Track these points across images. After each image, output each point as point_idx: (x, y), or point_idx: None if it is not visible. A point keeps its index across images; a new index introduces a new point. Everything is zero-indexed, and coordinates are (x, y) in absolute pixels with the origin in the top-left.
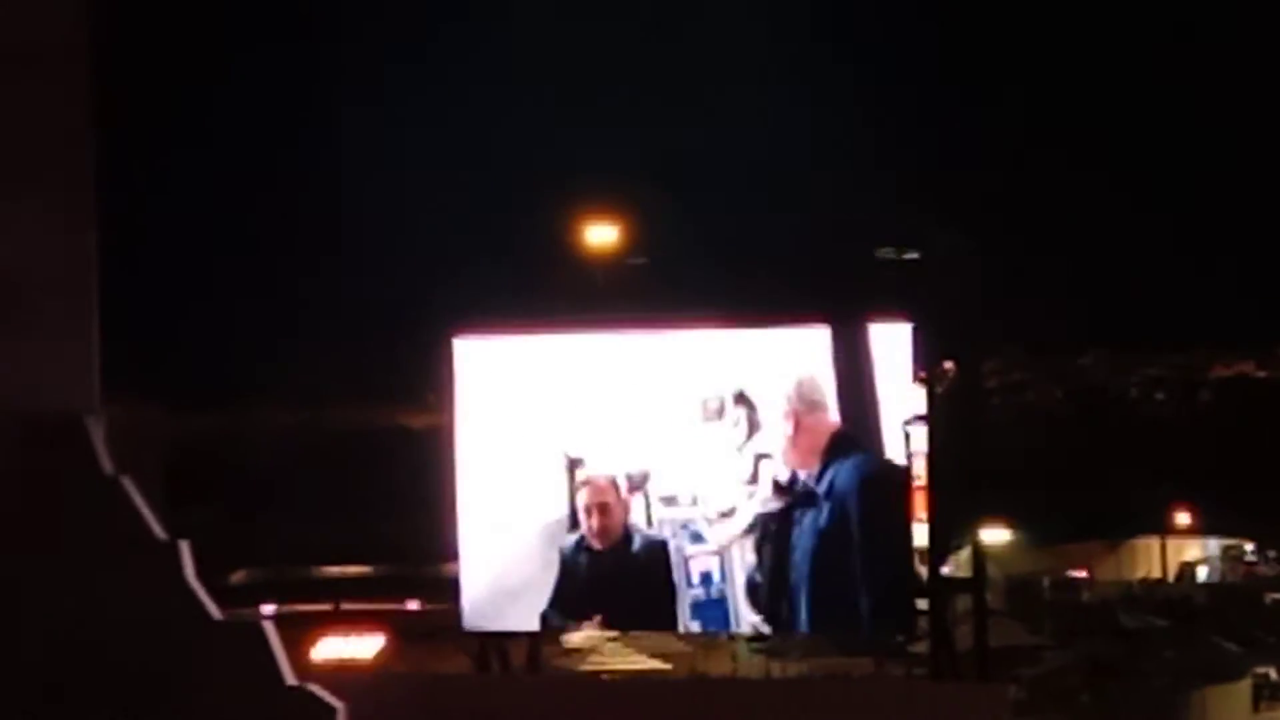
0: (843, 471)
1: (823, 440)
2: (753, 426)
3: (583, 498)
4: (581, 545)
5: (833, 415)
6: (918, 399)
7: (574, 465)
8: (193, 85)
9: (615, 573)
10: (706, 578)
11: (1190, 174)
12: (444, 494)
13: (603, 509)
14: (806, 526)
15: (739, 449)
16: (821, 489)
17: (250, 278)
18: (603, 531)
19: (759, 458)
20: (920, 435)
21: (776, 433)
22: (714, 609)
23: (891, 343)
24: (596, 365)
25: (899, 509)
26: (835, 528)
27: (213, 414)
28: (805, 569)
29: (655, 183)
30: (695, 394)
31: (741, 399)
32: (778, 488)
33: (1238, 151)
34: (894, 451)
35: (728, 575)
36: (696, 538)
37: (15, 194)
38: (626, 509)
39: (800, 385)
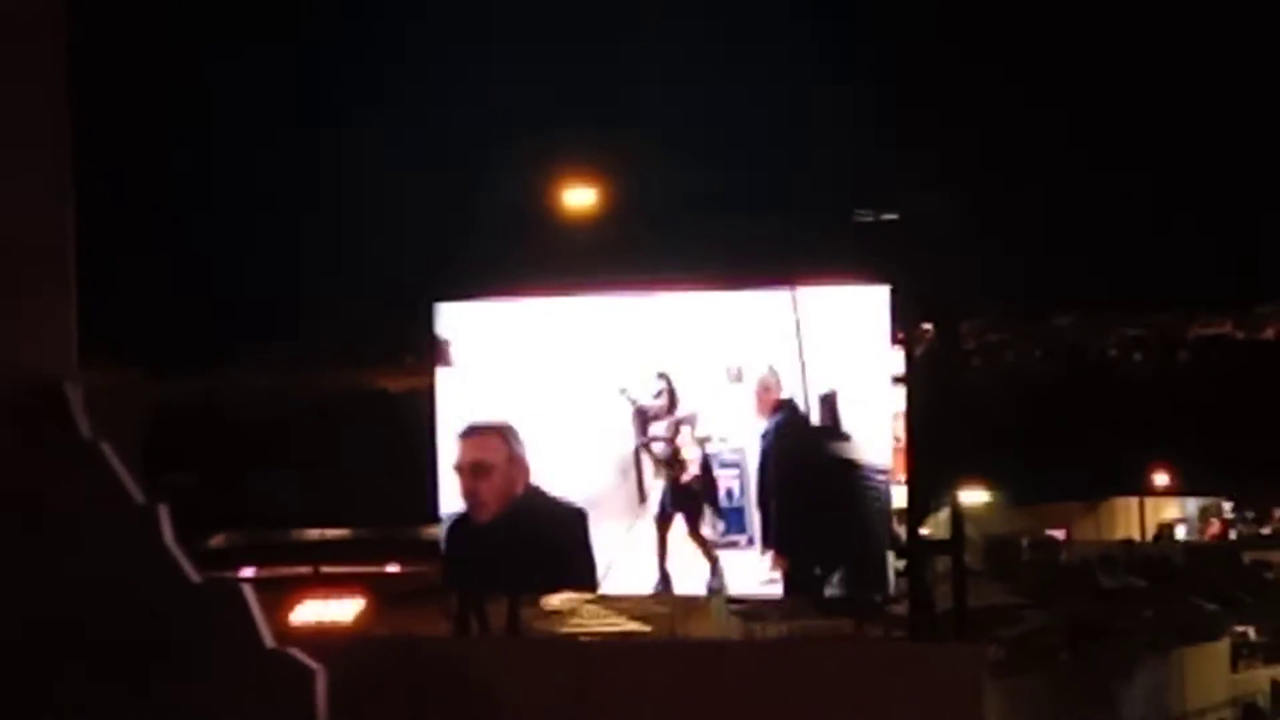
0: (770, 422)
1: (771, 403)
2: (673, 398)
3: (455, 456)
4: (461, 520)
5: (783, 389)
6: (896, 361)
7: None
8: (174, 51)
9: (500, 553)
10: (730, 493)
11: (1170, 132)
12: (426, 456)
13: (478, 469)
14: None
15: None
16: (761, 433)
17: (231, 243)
18: (474, 498)
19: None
20: (899, 397)
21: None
22: (736, 516)
23: (868, 305)
24: (575, 327)
25: (797, 458)
26: (761, 463)
27: (193, 378)
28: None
29: (632, 145)
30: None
31: (662, 377)
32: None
33: (1219, 110)
34: (867, 414)
35: (745, 492)
36: (724, 464)
37: None
38: (522, 470)
39: (761, 380)
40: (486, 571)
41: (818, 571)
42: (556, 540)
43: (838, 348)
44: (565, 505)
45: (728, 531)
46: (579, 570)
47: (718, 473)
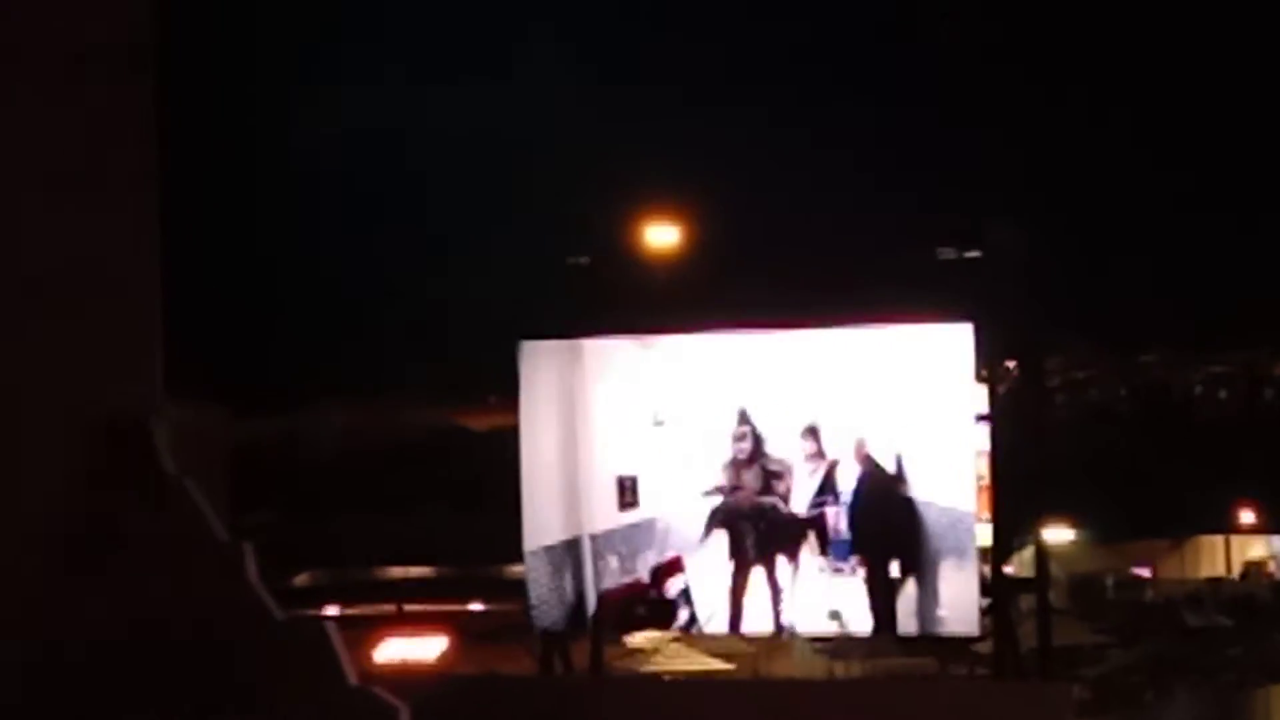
0: (861, 470)
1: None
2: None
3: None
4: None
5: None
6: (980, 398)
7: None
8: (263, 85)
9: None
10: (837, 529)
11: (1255, 170)
12: (510, 494)
13: None
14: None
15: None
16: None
17: (315, 281)
18: None
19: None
20: (983, 435)
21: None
22: (842, 546)
23: (951, 342)
24: (656, 367)
25: (871, 500)
26: (853, 501)
27: (277, 416)
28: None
29: (709, 184)
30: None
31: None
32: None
33: None
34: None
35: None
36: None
37: (80, 195)
38: None
39: (858, 440)
40: None
41: (894, 571)
42: None
43: (920, 386)
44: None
45: (838, 559)
46: None
47: (827, 510)
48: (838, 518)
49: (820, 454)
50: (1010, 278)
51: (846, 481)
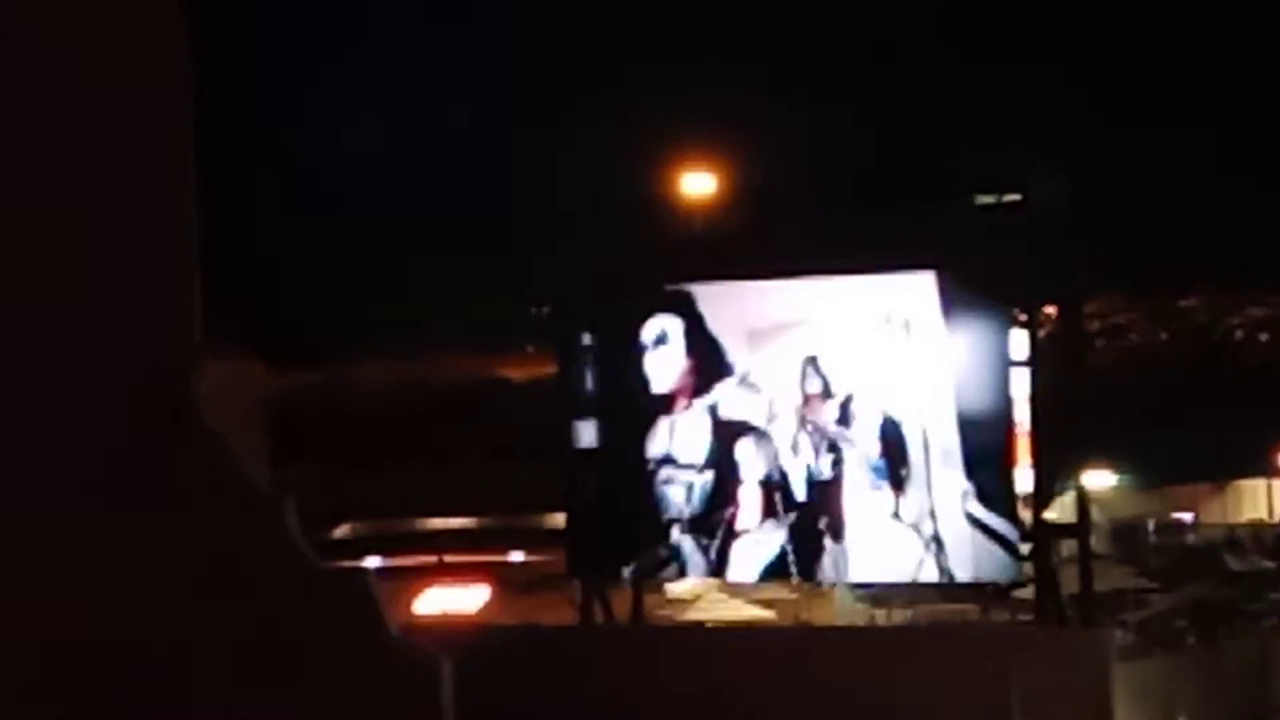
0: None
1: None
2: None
3: None
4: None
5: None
6: (1021, 343)
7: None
8: (299, 44)
9: None
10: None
11: None
12: (550, 443)
13: None
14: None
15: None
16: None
17: (351, 233)
18: None
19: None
20: (1023, 380)
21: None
22: (880, 469)
23: (988, 287)
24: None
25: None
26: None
27: (317, 368)
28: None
29: (748, 131)
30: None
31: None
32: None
33: None
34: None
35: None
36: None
37: (116, 147)
38: None
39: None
40: None
41: (903, 473)
42: None
43: (954, 329)
44: None
45: (878, 479)
46: None
47: (849, 437)
48: (869, 443)
49: (827, 391)
50: (1050, 222)
51: (867, 414)
